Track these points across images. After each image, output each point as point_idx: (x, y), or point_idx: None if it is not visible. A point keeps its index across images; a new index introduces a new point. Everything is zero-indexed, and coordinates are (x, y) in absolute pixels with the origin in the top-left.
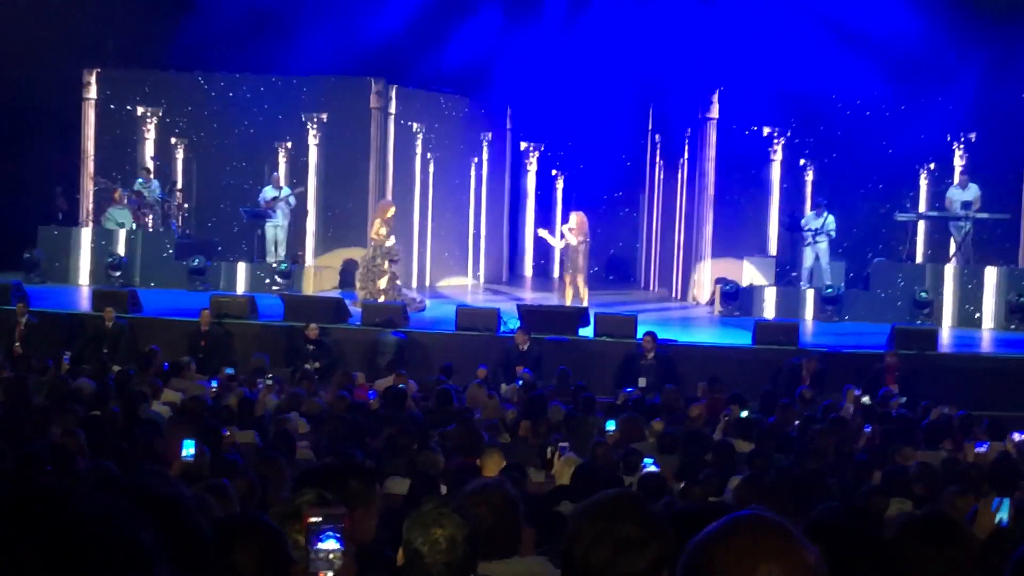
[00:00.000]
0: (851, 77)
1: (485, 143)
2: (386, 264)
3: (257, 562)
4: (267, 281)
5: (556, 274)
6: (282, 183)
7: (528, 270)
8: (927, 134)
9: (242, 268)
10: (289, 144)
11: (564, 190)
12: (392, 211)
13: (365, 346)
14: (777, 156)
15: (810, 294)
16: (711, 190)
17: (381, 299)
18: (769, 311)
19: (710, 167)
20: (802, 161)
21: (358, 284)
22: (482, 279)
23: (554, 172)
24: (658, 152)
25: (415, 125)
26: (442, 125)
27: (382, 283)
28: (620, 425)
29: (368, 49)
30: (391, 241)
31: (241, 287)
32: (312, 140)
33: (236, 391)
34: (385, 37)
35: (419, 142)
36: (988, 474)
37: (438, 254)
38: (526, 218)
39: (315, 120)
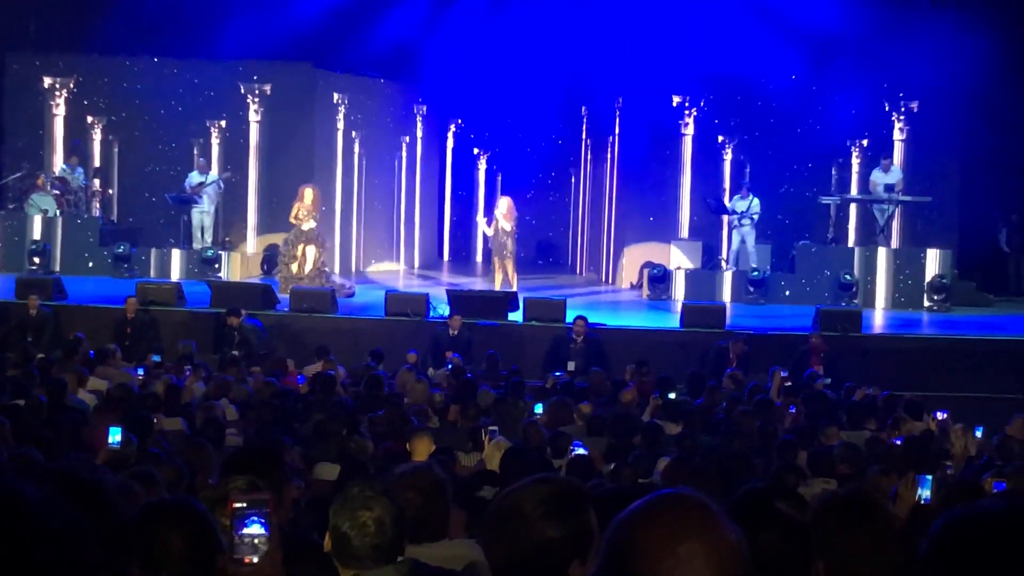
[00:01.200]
0: (775, 57)
1: (417, 125)
2: (299, 249)
3: (185, 546)
4: (194, 268)
5: (479, 258)
6: (214, 168)
7: (463, 256)
8: (856, 112)
9: (168, 255)
10: (221, 124)
11: (492, 172)
12: (310, 195)
13: (294, 333)
14: (689, 130)
15: (736, 277)
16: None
17: (305, 283)
18: (696, 294)
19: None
20: (720, 138)
21: (280, 267)
22: (416, 264)
23: (476, 151)
24: (585, 134)
25: (342, 108)
26: (370, 109)
27: (294, 267)
28: (549, 409)
29: (295, 33)
30: (308, 225)
31: (168, 274)
32: (253, 117)
33: (163, 378)
34: (311, 21)
35: (342, 124)
36: (910, 453)
37: (367, 239)
38: (474, 205)
39: (254, 97)
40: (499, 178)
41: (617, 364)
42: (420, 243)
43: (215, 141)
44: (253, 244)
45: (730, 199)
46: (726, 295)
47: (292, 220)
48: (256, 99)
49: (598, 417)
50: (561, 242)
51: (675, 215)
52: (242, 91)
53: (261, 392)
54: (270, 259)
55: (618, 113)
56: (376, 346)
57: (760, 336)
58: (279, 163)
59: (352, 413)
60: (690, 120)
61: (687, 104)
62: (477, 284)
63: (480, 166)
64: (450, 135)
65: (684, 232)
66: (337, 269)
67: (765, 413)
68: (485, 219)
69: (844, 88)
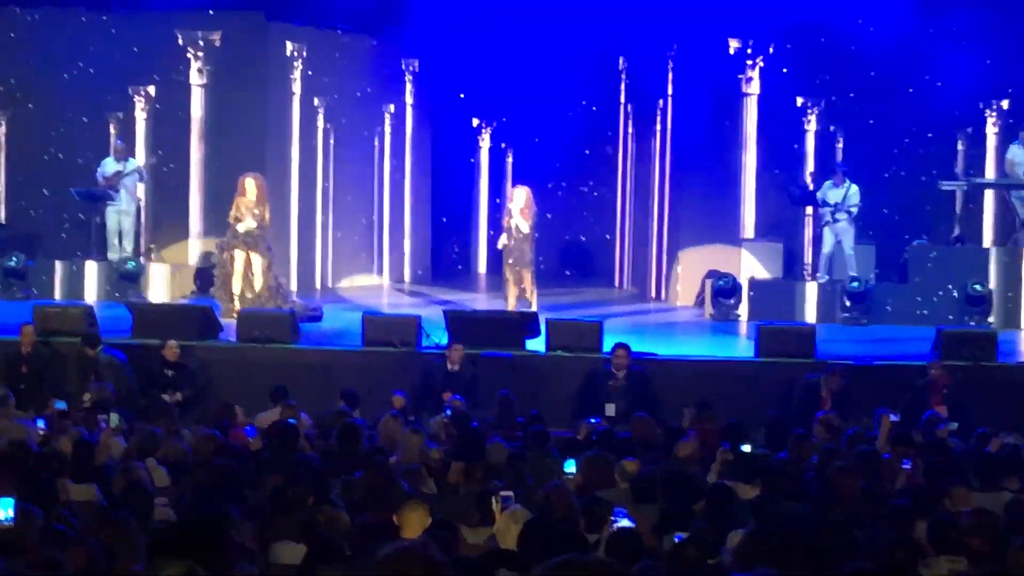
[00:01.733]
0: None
1: (406, 92)
2: (234, 257)
3: None
4: (110, 287)
5: (483, 268)
6: (139, 154)
7: (464, 265)
8: (992, 64)
9: (75, 269)
10: (148, 92)
11: (499, 152)
12: (252, 186)
13: (242, 370)
14: (753, 88)
15: (829, 289)
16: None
17: (256, 303)
18: (776, 312)
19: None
20: (800, 100)
21: (214, 288)
22: (405, 277)
23: (477, 123)
24: (624, 97)
25: (298, 66)
26: (341, 72)
27: (237, 283)
28: (582, 467)
29: None
30: (246, 225)
31: (76, 294)
32: (196, 80)
33: (70, 432)
34: None
35: (299, 89)
36: None
37: (338, 245)
38: (479, 203)
39: (197, 53)
40: (509, 159)
41: (672, 407)
42: (409, 249)
43: (140, 115)
44: (195, 252)
45: (818, 186)
46: (816, 313)
47: (230, 220)
48: (200, 56)
49: (647, 477)
50: (595, 245)
51: (748, 208)
52: (180, 42)
53: (200, 449)
54: (204, 273)
55: (671, 68)
56: (350, 386)
57: (862, 368)
58: (227, 144)
59: (320, 475)
60: (754, 73)
61: (750, 50)
62: (484, 302)
63: (482, 144)
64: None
65: (757, 231)
66: (295, 286)
67: (870, 470)
68: (503, 224)
69: (972, 33)
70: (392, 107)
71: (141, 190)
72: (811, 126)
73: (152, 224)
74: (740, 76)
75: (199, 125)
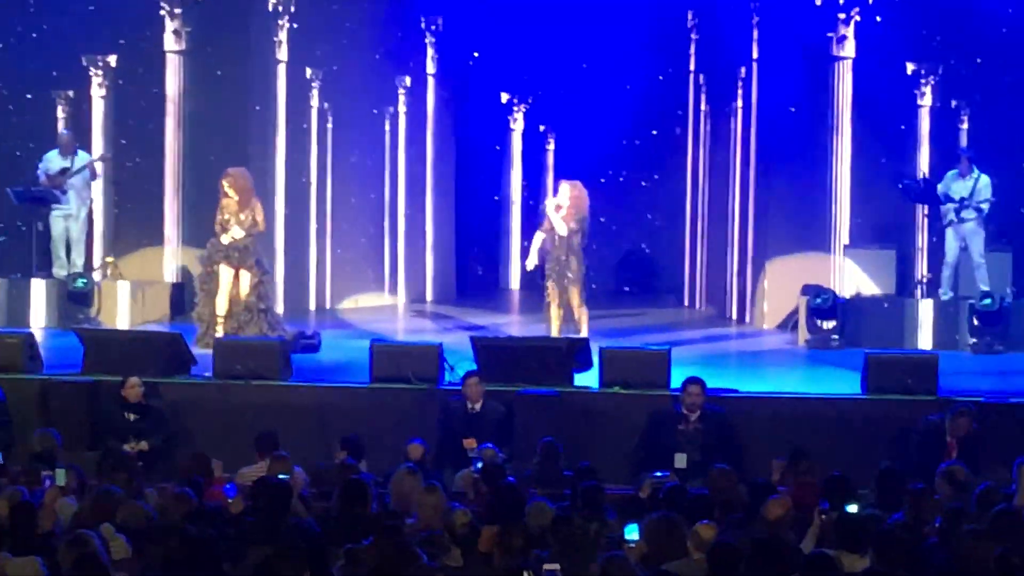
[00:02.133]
0: None
1: (427, 59)
2: (219, 273)
3: None
4: (56, 309)
5: (515, 284)
6: (96, 146)
7: (496, 280)
8: None
9: (13, 288)
10: (106, 63)
11: (539, 138)
12: (230, 186)
13: (220, 413)
14: (846, 51)
15: (954, 308)
16: None
17: (237, 329)
18: (887, 337)
19: None
20: (912, 67)
21: (196, 309)
22: (428, 296)
23: (507, 98)
24: (701, 83)
25: (282, 30)
26: (339, 41)
27: (221, 305)
28: (647, 532)
29: None
30: (231, 236)
31: (14, 319)
32: (172, 46)
33: (7, 491)
34: None
35: (285, 54)
36: None
37: (339, 258)
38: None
39: (173, 12)
40: (550, 145)
41: (758, 456)
42: (432, 262)
43: (97, 92)
44: (172, 267)
45: (938, 177)
46: (937, 339)
47: (216, 228)
48: (177, 15)
49: (727, 545)
50: (661, 256)
51: (852, 210)
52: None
53: (168, 512)
54: (179, 292)
55: (756, 35)
56: (354, 432)
57: (995, 406)
58: (211, 129)
59: (319, 544)
60: (848, 30)
61: (842, 1)
62: (520, 327)
63: (514, 126)
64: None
65: (864, 236)
66: (281, 308)
67: (1008, 534)
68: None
69: None
70: (408, 80)
71: (96, 190)
72: (926, 100)
73: (112, 232)
74: (830, 35)
75: (176, 105)
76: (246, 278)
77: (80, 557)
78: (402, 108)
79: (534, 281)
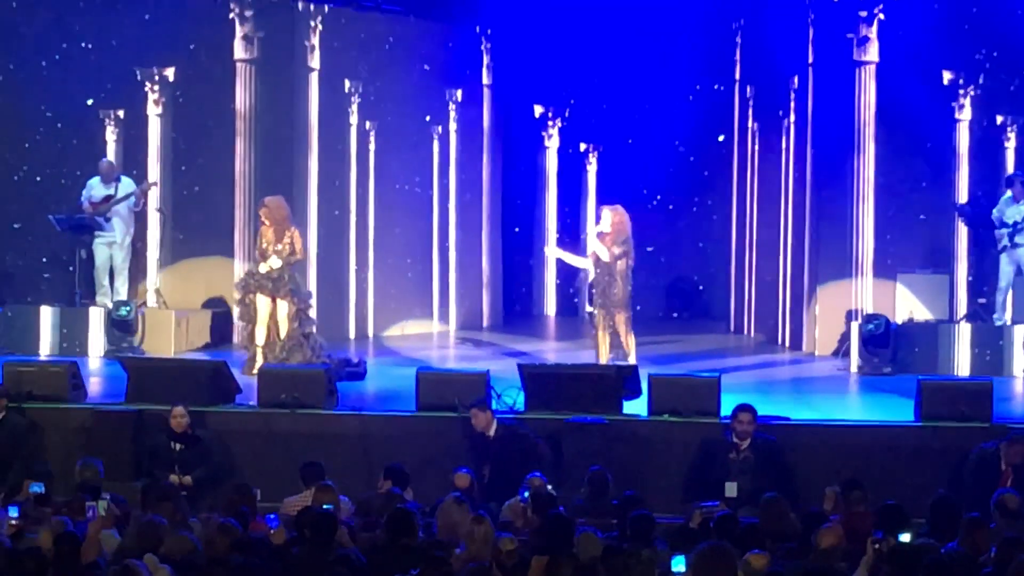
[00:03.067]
0: None
1: (483, 78)
2: (254, 300)
3: None
4: (100, 338)
5: (549, 311)
6: (152, 165)
7: (545, 306)
8: None
9: (54, 316)
10: (158, 83)
11: (594, 162)
12: (267, 215)
13: (265, 443)
14: (870, 53)
15: (1012, 332)
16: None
17: (280, 358)
18: (944, 364)
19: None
20: (948, 76)
21: (238, 335)
22: (484, 322)
23: (548, 117)
24: (749, 108)
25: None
26: (381, 51)
27: (260, 334)
28: (696, 562)
29: None
30: (268, 265)
31: (53, 347)
32: (242, 53)
33: (50, 523)
34: None
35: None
36: None
37: (383, 285)
38: (545, 224)
39: (245, 12)
40: (591, 164)
41: (810, 485)
42: (473, 290)
43: (153, 110)
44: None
45: (992, 200)
46: (989, 364)
47: (257, 256)
48: (248, 19)
49: (780, 575)
50: (709, 281)
51: (905, 228)
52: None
53: (213, 543)
54: (220, 320)
55: (811, 48)
56: (400, 461)
57: None
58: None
59: (365, 574)
60: (871, 32)
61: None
62: (562, 353)
63: (549, 143)
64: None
65: (917, 260)
66: (350, 334)
67: None
68: (560, 247)
69: None
70: (459, 93)
71: (149, 217)
72: (964, 114)
73: (168, 258)
74: (849, 36)
75: (245, 126)
76: (283, 307)
77: None
78: (452, 124)
79: (571, 308)
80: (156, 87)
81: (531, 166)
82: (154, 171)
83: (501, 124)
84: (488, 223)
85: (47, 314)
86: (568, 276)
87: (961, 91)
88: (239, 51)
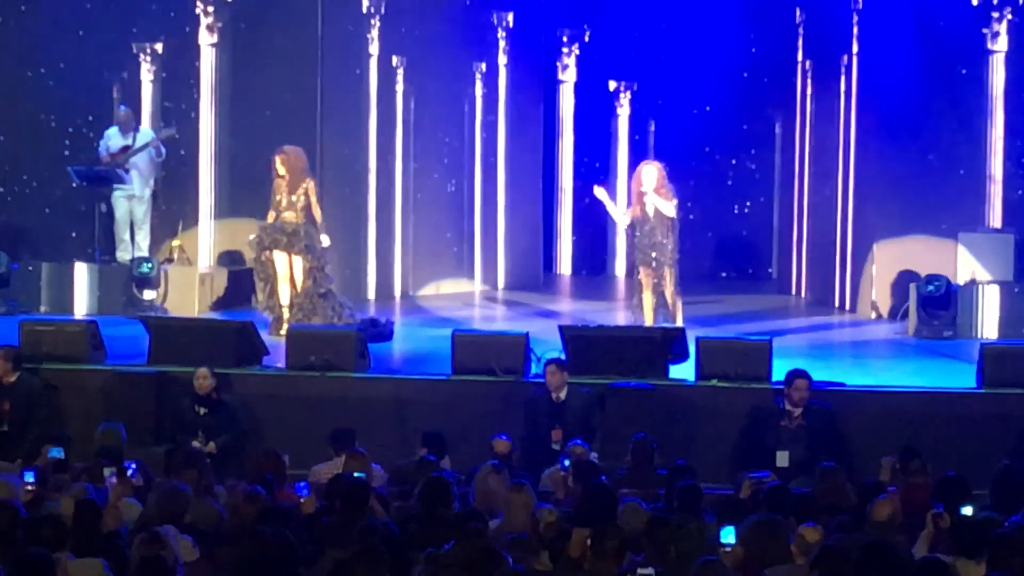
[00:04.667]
0: None
1: (499, 41)
2: (272, 257)
3: None
4: (120, 296)
5: (620, 270)
6: (146, 123)
7: (591, 265)
8: None
9: (76, 272)
10: (147, 63)
11: (639, 117)
12: (281, 163)
13: (293, 407)
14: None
15: None
16: None
17: (302, 318)
18: (1007, 328)
19: None
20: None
21: (257, 295)
22: (506, 282)
23: (620, 91)
24: (808, 73)
25: (374, 27)
26: (422, 26)
27: (284, 292)
28: (747, 534)
29: None
30: (283, 216)
31: (75, 306)
32: (206, 40)
33: (70, 489)
34: None
35: (375, 36)
36: None
37: (418, 242)
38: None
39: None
40: (652, 129)
41: (866, 455)
42: (514, 247)
43: (146, 75)
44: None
45: None
46: None
47: (271, 209)
48: (209, 14)
49: (833, 549)
50: (758, 239)
51: (968, 186)
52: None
53: (239, 512)
54: (236, 279)
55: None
56: (435, 427)
57: None
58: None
59: (399, 547)
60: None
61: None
62: (612, 315)
63: (620, 111)
64: (570, 58)
65: (990, 217)
66: (372, 294)
67: None
68: (607, 191)
69: None
70: (483, 66)
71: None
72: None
73: (181, 208)
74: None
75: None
76: (299, 263)
77: (146, 559)
78: (479, 86)
79: (631, 268)
80: (148, 58)
81: (586, 133)
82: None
83: (538, 85)
84: (518, 179)
85: (55, 272)
86: (598, 232)
87: None
88: (204, 37)
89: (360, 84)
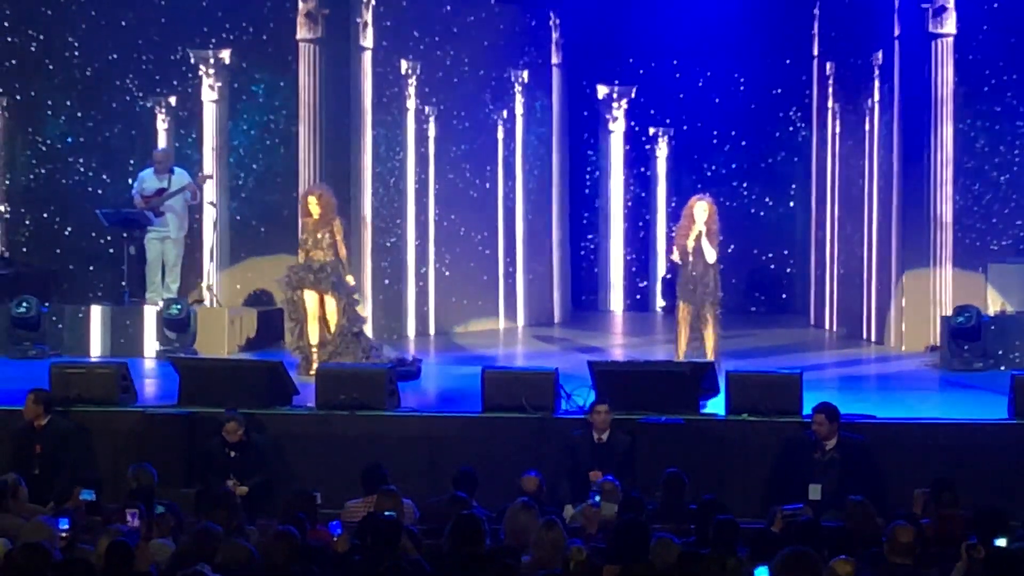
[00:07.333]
0: None
1: (553, 61)
2: (302, 297)
3: None
4: (151, 338)
5: (659, 304)
6: (207, 155)
7: (612, 300)
8: None
9: (103, 315)
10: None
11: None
12: (315, 204)
13: (324, 446)
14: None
15: None
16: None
17: (333, 356)
18: None
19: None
20: None
21: (287, 336)
22: (556, 317)
23: (612, 98)
24: (829, 86)
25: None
26: (448, 53)
27: (313, 332)
28: (779, 569)
29: None
30: (311, 254)
31: (103, 348)
32: (305, 32)
33: (102, 531)
34: None
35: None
36: None
37: (448, 281)
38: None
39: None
40: (662, 146)
41: (898, 487)
42: (540, 284)
43: (208, 95)
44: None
45: None
46: None
47: (301, 250)
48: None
49: None
50: (785, 269)
51: (997, 211)
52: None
53: (271, 551)
54: (266, 319)
55: (897, 19)
56: (466, 465)
57: None
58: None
59: None
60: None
61: None
62: (648, 349)
63: (613, 126)
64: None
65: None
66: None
67: None
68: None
69: None
70: (525, 74)
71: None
72: None
73: (226, 257)
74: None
75: (308, 108)
76: (330, 303)
77: None
78: (519, 107)
79: (640, 304)
80: (211, 70)
81: (595, 151)
82: (209, 163)
83: (567, 108)
84: (557, 213)
85: (84, 315)
86: (640, 269)
87: None
88: (302, 31)
89: (398, 131)
